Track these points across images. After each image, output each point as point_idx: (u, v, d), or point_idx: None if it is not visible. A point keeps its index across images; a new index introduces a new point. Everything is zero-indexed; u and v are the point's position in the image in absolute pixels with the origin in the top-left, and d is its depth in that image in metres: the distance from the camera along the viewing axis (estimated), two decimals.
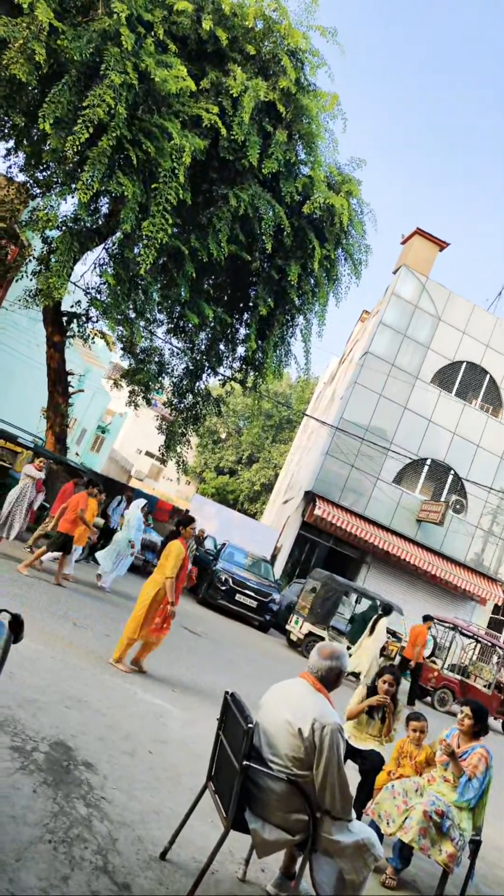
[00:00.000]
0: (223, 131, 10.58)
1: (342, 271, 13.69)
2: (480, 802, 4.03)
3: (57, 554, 8.66)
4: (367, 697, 4.78)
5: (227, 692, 3.04)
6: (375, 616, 10.97)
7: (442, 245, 23.10)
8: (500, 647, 15.07)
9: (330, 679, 2.94)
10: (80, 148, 9.53)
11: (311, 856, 2.75)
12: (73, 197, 11.21)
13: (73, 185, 10.64)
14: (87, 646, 6.07)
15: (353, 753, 4.53)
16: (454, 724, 4.32)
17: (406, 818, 3.79)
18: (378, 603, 12.41)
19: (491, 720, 10.46)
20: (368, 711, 4.68)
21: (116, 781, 3.50)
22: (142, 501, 10.57)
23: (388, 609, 11.63)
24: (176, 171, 10.09)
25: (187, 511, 19.13)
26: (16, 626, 2.23)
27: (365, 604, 16.11)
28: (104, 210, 12.88)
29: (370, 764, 4.52)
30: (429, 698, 13.58)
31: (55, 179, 11.67)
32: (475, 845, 4.08)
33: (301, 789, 2.73)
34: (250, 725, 2.71)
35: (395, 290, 21.80)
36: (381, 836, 3.74)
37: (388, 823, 3.86)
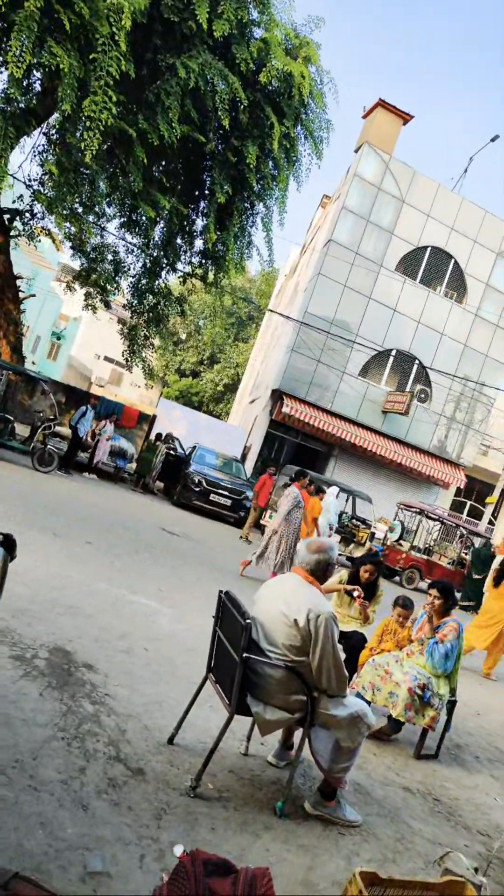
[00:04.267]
0: None
1: (302, 151, 12.80)
2: (455, 668, 4.42)
3: None
4: (349, 581, 5.09)
5: (221, 591, 3.13)
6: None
7: (406, 118, 21.69)
8: (463, 527, 15.95)
9: (319, 572, 3.06)
10: (1, 10, 8.30)
11: (310, 729, 2.97)
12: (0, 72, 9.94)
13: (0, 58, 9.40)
14: (70, 554, 6.13)
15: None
16: (424, 599, 4.66)
17: (391, 693, 4.14)
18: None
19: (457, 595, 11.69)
20: (349, 592, 5.00)
21: (117, 678, 3.65)
22: (335, 490, 12.29)
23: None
24: (116, 38, 8.94)
25: (154, 416, 18.93)
26: (8, 545, 2.18)
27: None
28: (37, 87, 11.49)
29: (352, 643, 4.84)
30: (397, 578, 14.48)
31: None
32: (451, 705, 4.53)
33: (299, 674, 2.89)
34: (248, 621, 2.81)
35: (356, 171, 20.65)
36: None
37: (373, 693, 4.21)
